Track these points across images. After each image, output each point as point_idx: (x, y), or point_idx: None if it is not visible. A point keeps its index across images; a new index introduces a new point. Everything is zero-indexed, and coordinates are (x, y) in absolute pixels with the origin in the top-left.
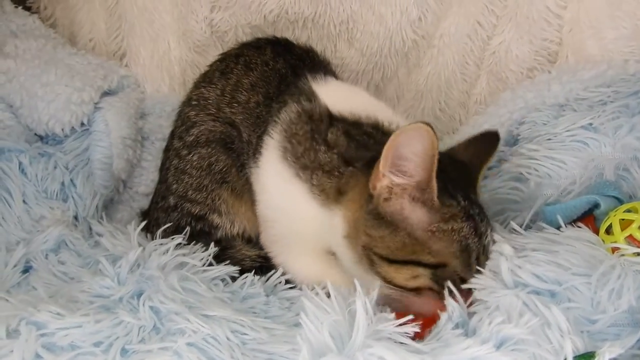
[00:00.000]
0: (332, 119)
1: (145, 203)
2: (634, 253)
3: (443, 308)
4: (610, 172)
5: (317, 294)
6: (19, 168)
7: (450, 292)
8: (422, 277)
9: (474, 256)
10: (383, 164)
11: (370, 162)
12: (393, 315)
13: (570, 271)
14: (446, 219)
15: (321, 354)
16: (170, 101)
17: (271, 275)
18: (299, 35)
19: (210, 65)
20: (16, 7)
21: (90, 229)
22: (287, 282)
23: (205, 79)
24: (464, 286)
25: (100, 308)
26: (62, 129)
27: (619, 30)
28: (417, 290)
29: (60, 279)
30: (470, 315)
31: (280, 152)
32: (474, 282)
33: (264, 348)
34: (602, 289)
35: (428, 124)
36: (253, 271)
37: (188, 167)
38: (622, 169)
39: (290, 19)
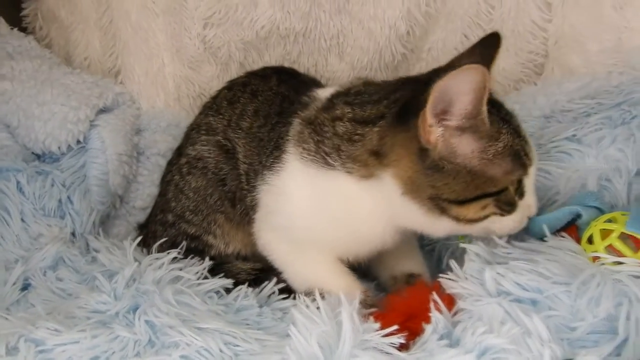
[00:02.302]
0: (329, 102)
1: (141, 217)
2: (614, 262)
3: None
4: (593, 182)
5: (307, 305)
6: (17, 187)
7: (435, 303)
8: (489, 206)
9: (523, 155)
10: (431, 116)
11: (400, 117)
12: (378, 324)
13: (551, 280)
14: (496, 137)
15: None
16: (165, 116)
17: (265, 286)
18: (290, 50)
19: (219, 92)
20: (12, 28)
21: (88, 244)
22: (280, 292)
23: (212, 108)
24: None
25: (97, 323)
26: (59, 147)
27: (602, 43)
28: (486, 218)
29: (59, 296)
30: (455, 324)
31: (299, 160)
32: (460, 287)
33: (255, 359)
34: (582, 297)
35: (479, 66)
36: (247, 283)
37: (186, 188)
38: (605, 179)
39: (281, 34)
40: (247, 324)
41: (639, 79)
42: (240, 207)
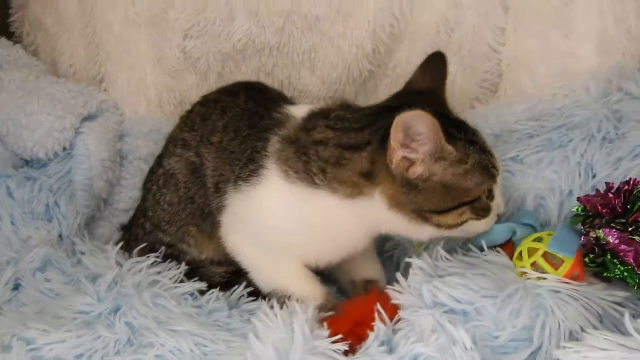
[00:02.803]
0: (307, 122)
1: (124, 218)
2: (538, 277)
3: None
4: (530, 201)
5: (266, 314)
6: (7, 192)
7: (379, 312)
8: (466, 212)
9: (491, 167)
10: (394, 143)
11: (383, 140)
12: (327, 332)
13: (480, 293)
14: (465, 159)
15: None
16: (147, 122)
17: (235, 290)
18: (265, 62)
19: (193, 107)
20: (0, 37)
21: (74, 246)
22: (249, 294)
23: (187, 124)
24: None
25: (81, 324)
26: (46, 154)
27: (549, 67)
28: (464, 223)
29: (47, 296)
30: (396, 332)
31: (283, 178)
32: (402, 299)
33: (219, 359)
34: (505, 309)
35: (415, 110)
36: (219, 287)
37: (161, 200)
38: (540, 198)
39: (257, 47)
40: (218, 325)
41: (580, 102)
42: (210, 220)
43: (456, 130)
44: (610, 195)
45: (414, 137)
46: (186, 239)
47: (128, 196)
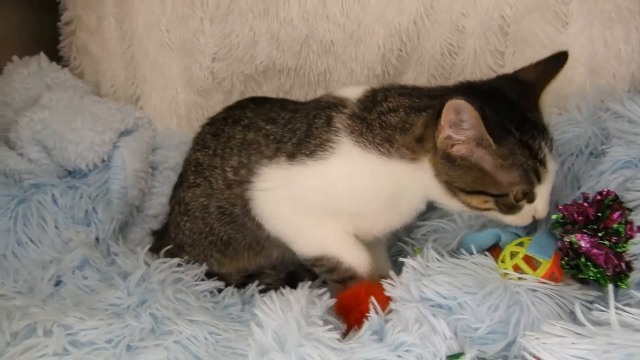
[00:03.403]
0: (369, 100)
1: (154, 223)
2: (518, 278)
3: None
4: None
5: (267, 305)
6: (52, 199)
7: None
8: (489, 202)
9: (532, 174)
10: (443, 122)
11: (439, 112)
12: (322, 322)
13: (463, 290)
14: (506, 155)
15: (265, 352)
16: (177, 136)
17: (248, 288)
18: (284, 82)
19: (202, 128)
20: (51, 62)
21: (109, 248)
22: (260, 292)
23: (199, 143)
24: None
25: (112, 314)
26: (87, 165)
27: None
28: (489, 210)
29: (84, 291)
30: (387, 322)
31: (358, 147)
32: (392, 292)
33: (230, 344)
34: (485, 304)
35: (462, 99)
36: (234, 285)
37: (182, 225)
38: None
39: (277, 69)
40: (231, 318)
41: (572, 120)
42: (233, 247)
43: (516, 129)
44: (586, 204)
45: (461, 122)
46: (209, 260)
47: (158, 202)
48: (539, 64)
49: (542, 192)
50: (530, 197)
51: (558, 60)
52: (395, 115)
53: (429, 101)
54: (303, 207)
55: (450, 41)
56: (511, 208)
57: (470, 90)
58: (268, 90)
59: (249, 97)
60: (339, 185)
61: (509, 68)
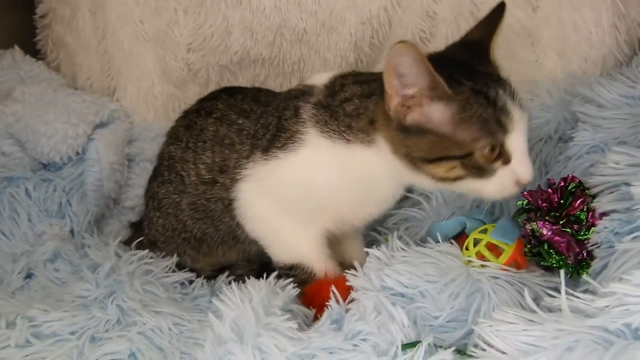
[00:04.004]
0: (333, 86)
1: (131, 216)
2: (480, 265)
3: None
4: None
5: (226, 295)
6: (25, 192)
7: (333, 293)
8: (457, 168)
9: (494, 123)
10: (388, 86)
11: (382, 89)
12: (280, 312)
13: (424, 279)
14: (463, 105)
15: (224, 342)
16: (153, 128)
17: (218, 280)
18: (259, 72)
19: (175, 122)
20: (25, 54)
21: (83, 240)
22: (230, 283)
23: (172, 136)
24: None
25: (79, 306)
26: (61, 158)
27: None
28: (459, 179)
29: (55, 284)
30: (347, 311)
31: (324, 138)
32: (354, 282)
33: (193, 335)
34: (445, 292)
35: (404, 42)
36: (204, 277)
37: (155, 221)
38: None
39: (251, 59)
40: (199, 309)
41: (544, 105)
42: (207, 244)
43: (468, 79)
44: (550, 190)
45: (405, 74)
46: (183, 257)
47: (134, 194)
48: (479, 23)
49: (518, 149)
50: (504, 157)
51: (497, 12)
52: (351, 103)
53: (376, 84)
54: (282, 205)
55: (422, 27)
56: (482, 171)
57: None
58: (244, 80)
59: (222, 88)
60: (312, 177)
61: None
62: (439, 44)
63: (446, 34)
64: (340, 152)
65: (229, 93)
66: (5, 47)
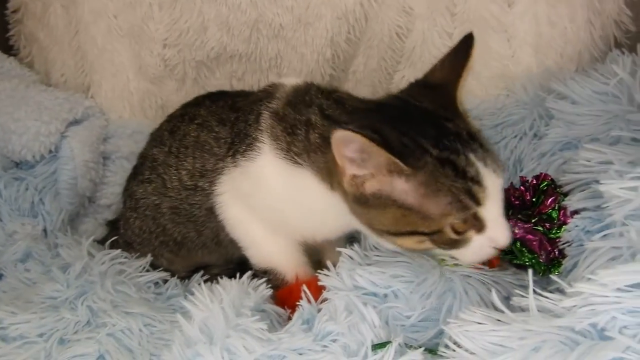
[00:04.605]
0: (295, 97)
1: (107, 214)
2: (453, 264)
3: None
4: None
5: (195, 296)
6: None
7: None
8: (426, 242)
9: (465, 197)
10: (339, 161)
11: None
12: (251, 312)
13: (398, 279)
14: (427, 181)
15: (193, 344)
16: (130, 125)
17: (193, 279)
18: (236, 68)
19: (161, 125)
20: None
21: (56, 240)
22: (205, 282)
23: (157, 139)
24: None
25: (48, 307)
26: (33, 157)
27: (491, 69)
28: (429, 249)
29: (25, 284)
30: (319, 311)
31: (274, 153)
32: (326, 281)
33: (164, 336)
34: (417, 292)
35: (345, 129)
36: (177, 276)
37: (132, 222)
38: None
39: (228, 54)
40: (173, 309)
41: (519, 101)
42: (186, 248)
43: (434, 146)
44: (522, 188)
45: (357, 154)
46: (159, 259)
47: (110, 192)
48: (444, 60)
49: (492, 216)
50: (477, 225)
51: (464, 47)
52: (314, 132)
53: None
54: (251, 212)
55: (399, 23)
56: (454, 243)
57: (377, 112)
58: (221, 76)
59: (207, 93)
60: (265, 188)
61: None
62: (415, 40)
63: (422, 29)
64: (288, 172)
65: (213, 99)
66: None
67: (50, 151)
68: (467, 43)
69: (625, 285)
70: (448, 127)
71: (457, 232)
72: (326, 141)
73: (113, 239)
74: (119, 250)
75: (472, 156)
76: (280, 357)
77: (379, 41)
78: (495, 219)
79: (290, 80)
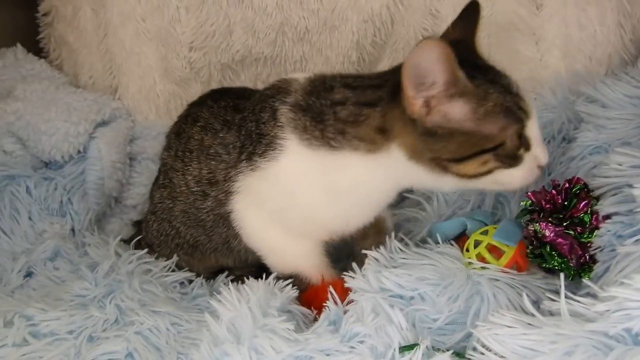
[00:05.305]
0: (314, 86)
1: (133, 214)
2: (480, 267)
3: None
4: (490, 200)
5: (224, 296)
6: (26, 190)
7: (331, 294)
8: (490, 161)
9: (516, 109)
10: (408, 89)
11: (393, 94)
12: (277, 313)
13: (425, 281)
14: (482, 97)
15: (220, 343)
16: (155, 127)
17: (218, 279)
18: (261, 71)
19: (171, 127)
20: (28, 52)
21: (84, 239)
22: (229, 283)
23: (167, 144)
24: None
25: (77, 305)
26: (62, 157)
27: (519, 73)
28: (488, 173)
29: (54, 282)
30: (345, 312)
31: (304, 146)
32: (352, 283)
33: (191, 335)
34: (444, 295)
35: (431, 38)
36: (202, 276)
37: (151, 224)
38: (500, 195)
39: (253, 57)
40: (199, 309)
41: (547, 105)
42: (200, 250)
43: (477, 72)
44: (554, 192)
45: (426, 75)
46: (178, 261)
47: (136, 192)
48: (455, 24)
49: (534, 133)
50: (525, 143)
51: (469, 11)
52: (344, 108)
53: (376, 92)
54: (272, 216)
55: (425, 26)
56: (514, 158)
57: None
58: (246, 79)
59: (209, 91)
60: (294, 187)
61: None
62: None
63: None
64: (324, 160)
65: (214, 98)
66: (8, 45)
67: (79, 152)
68: (470, 7)
69: None
70: (479, 63)
71: (515, 147)
72: (362, 107)
73: (137, 238)
74: (145, 250)
75: (507, 80)
76: (308, 358)
77: (405, 44)
78: (537, 137)
79: (299, 75)
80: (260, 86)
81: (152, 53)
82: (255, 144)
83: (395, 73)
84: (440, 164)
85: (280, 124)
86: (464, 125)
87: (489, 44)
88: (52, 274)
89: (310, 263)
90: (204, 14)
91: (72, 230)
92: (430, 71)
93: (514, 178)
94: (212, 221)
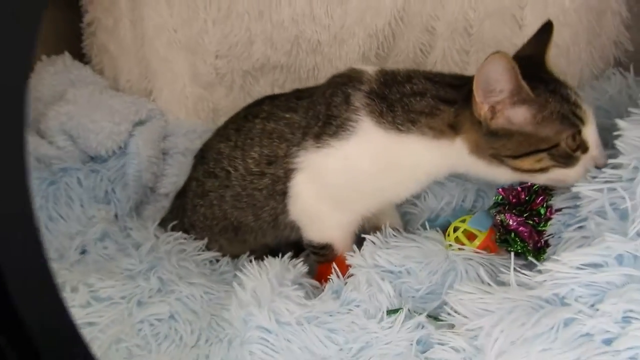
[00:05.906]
0: (387, 78)
1: (165, 202)
2: (458, 249)
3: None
4: (472, 195)
5: (248, 269)
6: (77, 181)
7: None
8: (544, 159)
9: (572, 117)
10: (478, 95)
11: (467, 98)
12: (290, 283)
13: (411, 259)
14: (542, 105)
15: (245, 306)
16: (185, 125)
17: (241, 258)
18: (278, 77)
19: (226, 123)
20: (74, 60)
21: (125, 223)
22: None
23: (222, 135)
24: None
25: (126, 277)
26: (106, 152)
27: None
28: (544, 170)
29: (104, 259)
30: (345, 284)
31: (378, 126)
32: (351, 260)
33: (221, 302)
34: (425, 270)
35: (499, 52)
36: (227, 255)
37: (198, 208)
38: (482, 192)
39: (271, 65)
40: (226, 282)
41: None
42: (241, 233)
43: (540, 84)
44: (519, 189)
45: (494, 83)
46: (214, 246)
47: (169, 182)
48: (529, 41)
49: (592, 137)
50: (582, 146)
51: (544, 30)
52: (422, 100)
53: (453, 92)
54: (326, 191)
55: (422, 41)
56: (568, 159)
57: None
58: (264, 84)
59: (264, 97)
60: (361, 164)
61: (473, 66)
62: (436, 56)
63: (443, 47)
64: (391, 141)
65: (271, 97)
66: (55, 53)
67: (120, 147)
68: (546, 27)
69: (581, 264)
70: (543, 76)
71: (570, 148)
72: (441, 102)
73: (174, 223)
74: (179, 233)
75: (568, 90)
76: (314, 317)
77: (405, 56)
78: (596, 141)
79: (366, 67)
80: (276, 91)
81: (182, 60)
82: (324, 125)
83: (472, 80)
84: (499, 158)
85: (353, 107)
86: (524, 128)
87: (479, 57)
88: (103, 252)
89: (344, 235)
90: (229, 27)
91: (116, 215)
92: (497, 81)
93: (568, 177)
94: (265, 198)
